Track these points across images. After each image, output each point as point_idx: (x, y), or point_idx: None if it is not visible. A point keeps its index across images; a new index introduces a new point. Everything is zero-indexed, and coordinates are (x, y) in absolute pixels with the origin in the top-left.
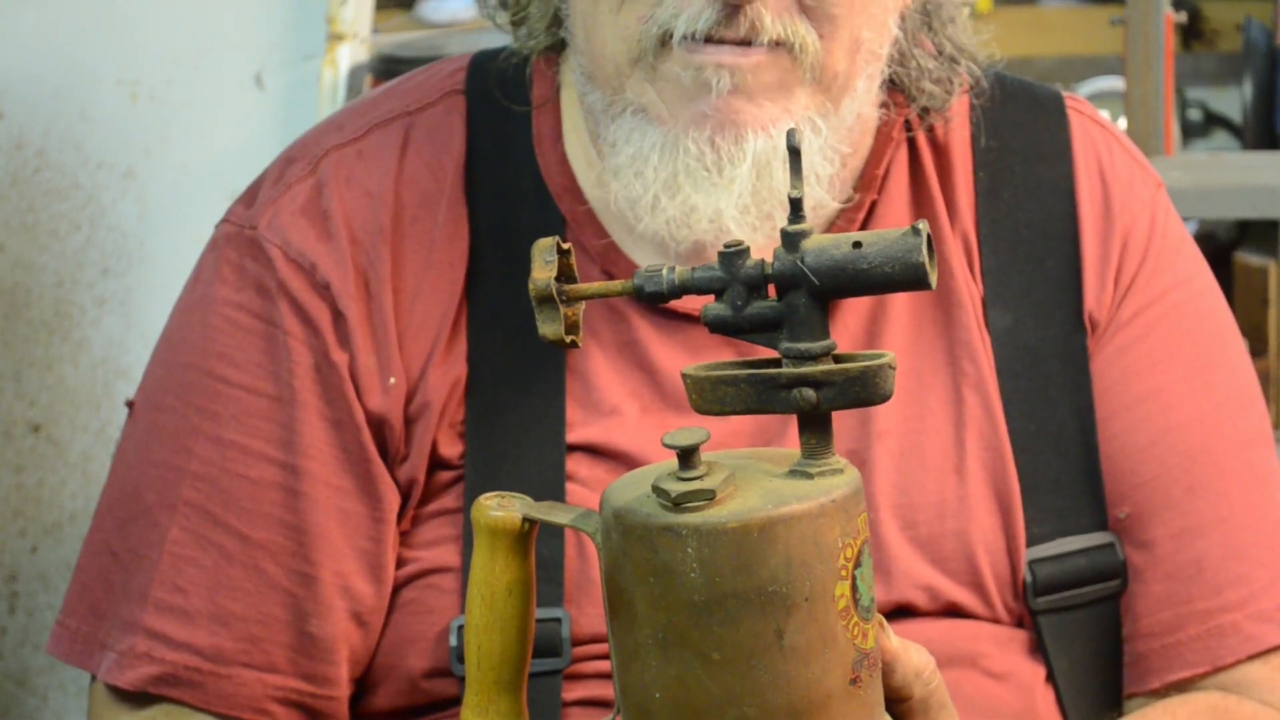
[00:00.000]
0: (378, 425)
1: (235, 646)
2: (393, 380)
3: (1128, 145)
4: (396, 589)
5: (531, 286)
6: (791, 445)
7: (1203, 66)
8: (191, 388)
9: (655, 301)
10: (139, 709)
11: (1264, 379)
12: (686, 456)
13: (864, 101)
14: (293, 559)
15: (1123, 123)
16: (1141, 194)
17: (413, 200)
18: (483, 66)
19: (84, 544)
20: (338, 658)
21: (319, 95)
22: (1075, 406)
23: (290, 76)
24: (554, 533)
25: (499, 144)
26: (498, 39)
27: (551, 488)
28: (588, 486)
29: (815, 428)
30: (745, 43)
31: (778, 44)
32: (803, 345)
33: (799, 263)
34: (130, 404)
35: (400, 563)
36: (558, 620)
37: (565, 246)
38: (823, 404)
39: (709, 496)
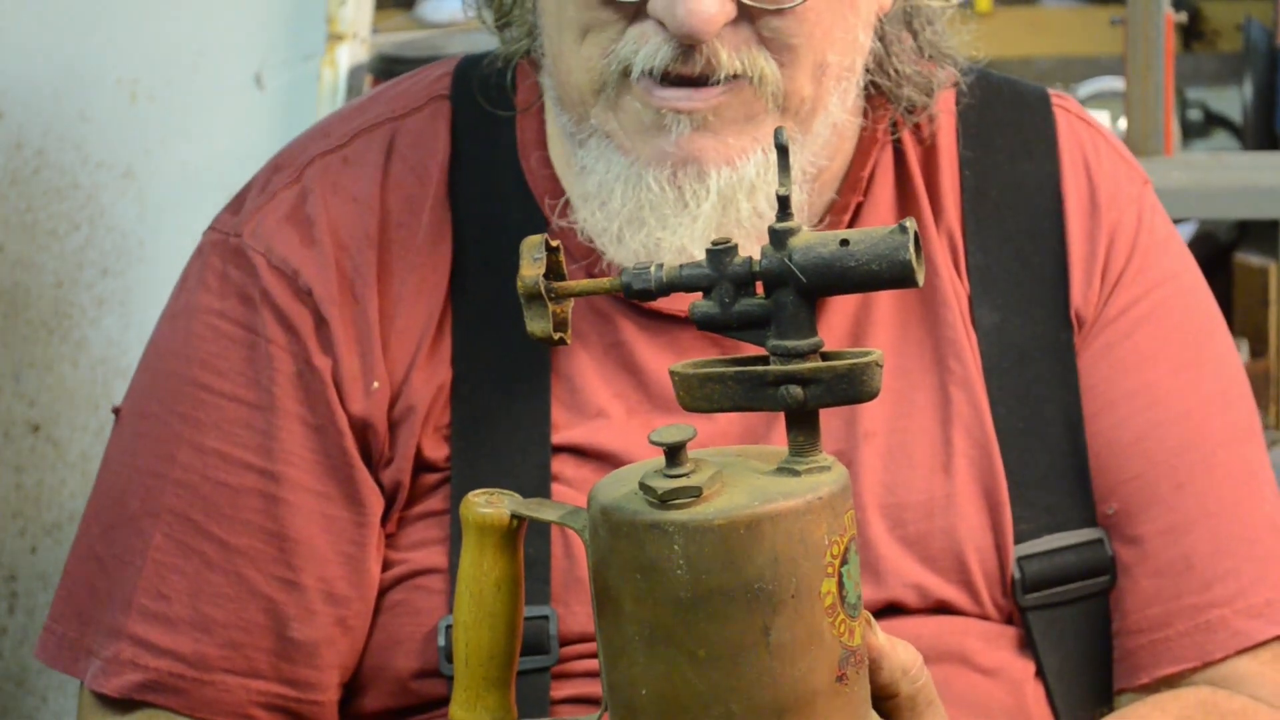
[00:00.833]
0: (361, 429)
1: (218, 653)
2: (376, 385)
3: (1114, 142)
4: (383, 591)
5: (520, 284)
6: (779, 444)
7: (1203, 67)
8: (175, 395)
9: (643, 299)
10: (124, 715)
11: (1264, 379)
12: (673, 454)
13: (839, 114)
14: (274, 565)
15: (1123, 123)
16: (1128, 190)
17: (398, 205)
18: (467, 72)
19: (71, 550)
20: (322, 662)
21: (318, 95)
22: (1062, 403)
23: (290, 76)
24: (540, 531)
25: (483, 148)
26: (495, 40)
27: (537, 489)
28: (574, 487)
29: (803, 425)
30: (703, 78)
31: (736, 77)
32: (790, 343)
33: (786, 260)
34: (117, 411)
35: (386, 565)
36: (545, 618)
37: (554, 244)
38: (810, 401)
39: (695, 493)
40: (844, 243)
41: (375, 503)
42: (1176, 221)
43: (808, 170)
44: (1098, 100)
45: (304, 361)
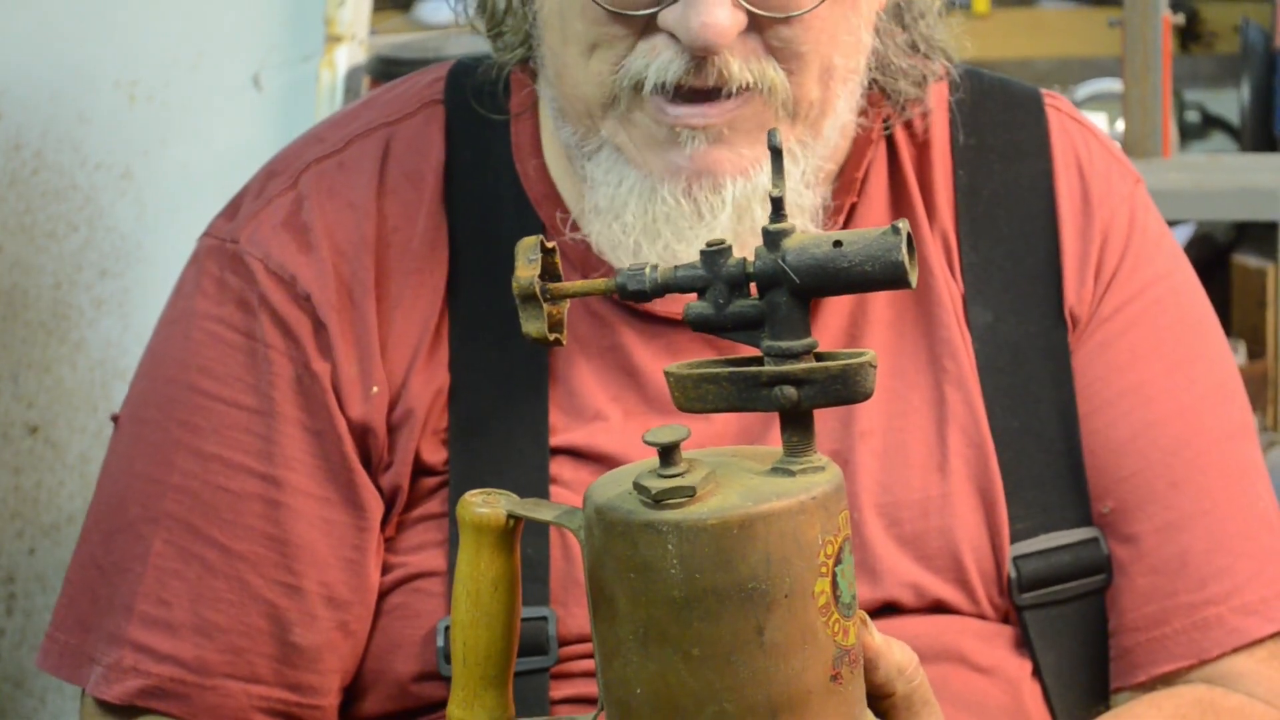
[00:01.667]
0: (361, 433)
1: (219, 658)
2: (375, 389)
3: (1106, 142)
4: (382, 595)
5: (515, 285)
6: (775, 444)
7: (1200, 68)
8: (174, 401)
9: (638, 300)
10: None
11: (1262, 381)
12: (667, 454)
13: (845, 115)
14: (275, 570)
15: (1120, 125)
16: (1120, 189)
17: (394, 210)
18: (461, 77)
19: (72, 557)
20: (323, 667)
21: (317, 96)
22: (1057, 402)
23: (288, 78)
24: (539, 532)
25: (478, 153)
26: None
27: (535, 492)
28: (572, 489)
29: (797, 425)
30: (715, 90)
31: (747, 88)
32: (784, 343)
33: (780, 261)
34: (115, 418)
35: (385, 569)
36: (544, 619)
37: (550, 245)
38: (804, 402)
39: (689, 493)
40: (837, 244)
41: (375, 507)
42: (1174, 223)
43: (818, 172)
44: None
45: (303, 366)
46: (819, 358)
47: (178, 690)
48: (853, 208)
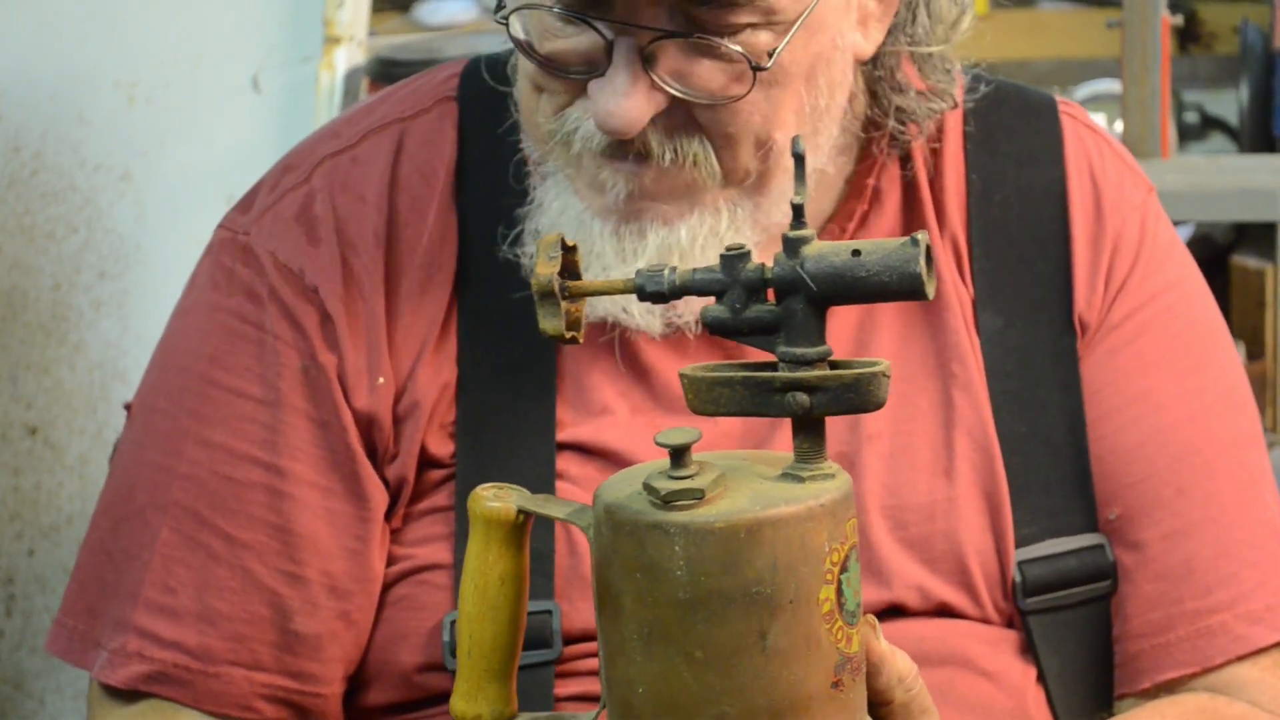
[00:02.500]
0: (366, 424)
1: (223, 645)
2: (381, 380)
3: (1119, 150)
4: (388, 586)
5: (534, 282)
6: (780, 448)
7: (1199, 69)
8: (183, 391)
9: (656, 301)
10: (130, 706)
11: (1261, 382)
12: (678, 455)
13: (821, 160)
14: (279, 559)
15: (1119, 126)
16: (1132, 198)
17: (405, 205)
18: (476, 73)
19: (83, 543)
20: (325, 656)
21: (316, 98)
22: (1065, 408)
23: (287, 79)
24: (545, 526)
25: (490, 148)
26: (494, 42)
27: (542, 486)
28: (578, 485)
29: (808, 432)
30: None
31: (672, 159)
32: (799, 350)
33: (798, 268)
34: (128, 407)
35: (391, 560)
36: (549, 612)
37: (570, 244)
38: (816, 409)
39: (698, 496)
40: (856, 253)
41: (379, 498)
42: (1173, 224)
43: (771, 218)
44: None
45: (309, 358)
46: (833, 366)
47: (181, 676)
48: (865, 215)
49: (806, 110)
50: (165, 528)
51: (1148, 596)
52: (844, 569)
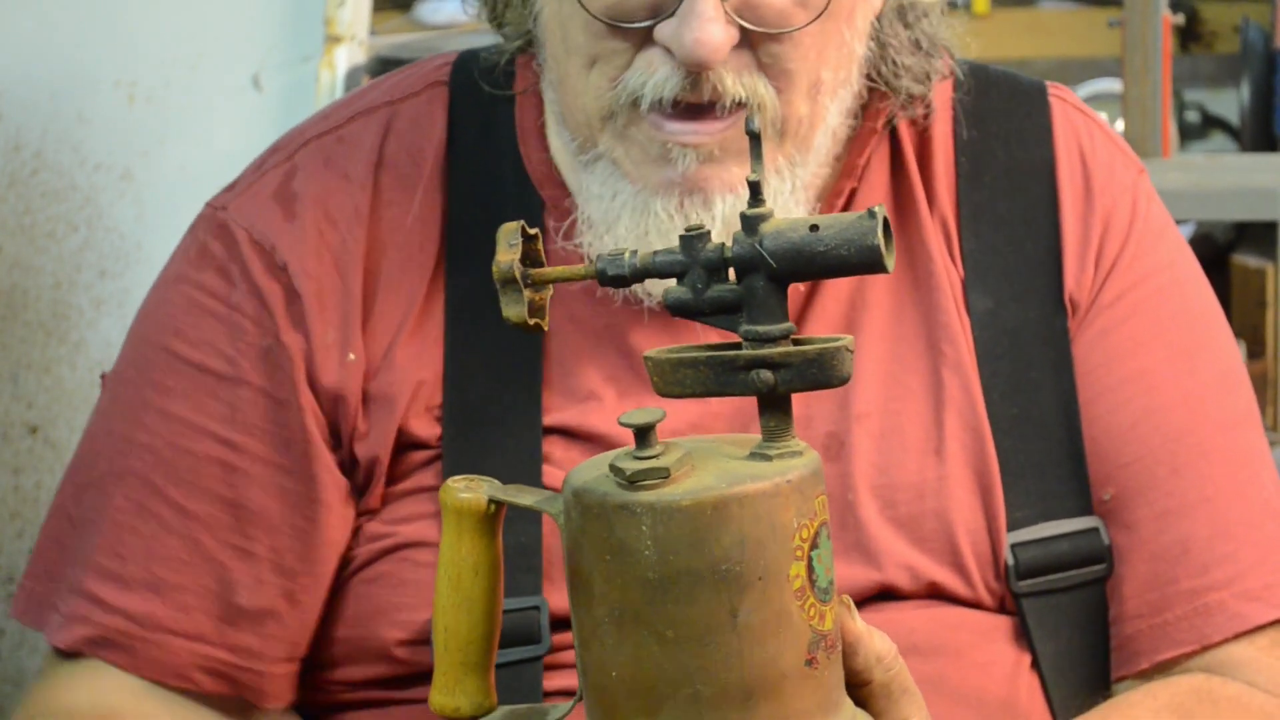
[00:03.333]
0: (332, 401)
1: (166, 614)
2: (352, 357)
3: (1109, 132)
4: (369, 562)
5: (495, 269)
6: None
7: (1200, 68)
8: (149, 362)
9: (617, 285)
10: (73, 666)
11: (1261, 381)
12: (642, 435)
13: (835, 120)
14: (229, 533)
15: (1120, 125)
16: (1123, 178)
17: (390, 183)
18: (468, 60)
19: (50, 508)
20: (267, 632)
21: (316, 97)
22: (1057, 389)
23: (288, 78)
24: (532, 520)
25: (480, 132)
26: (495, 41)
27: (528, 470)
28: (564, 469)
29: (774, 410)
30: (710, 105)
31: (740, 104)
32: (761, 328)
33: (757, 246)
34: (104, 377)
35: (374, 537)
36: (535, 608)
37: (531, 231)
38: (780, 386)
39: (664, 475)
40: (814, 228)
41: (330, 481)
42: (1174, 223)
43: (808, 188)
44: (1095, 102)
45: (273, 337)
46: (797, 342)
47: (122, 641)
48: (853, 192)
49: (845, 52)
50: (120, 495)
51: (1144, 577)
52: (814, 545)
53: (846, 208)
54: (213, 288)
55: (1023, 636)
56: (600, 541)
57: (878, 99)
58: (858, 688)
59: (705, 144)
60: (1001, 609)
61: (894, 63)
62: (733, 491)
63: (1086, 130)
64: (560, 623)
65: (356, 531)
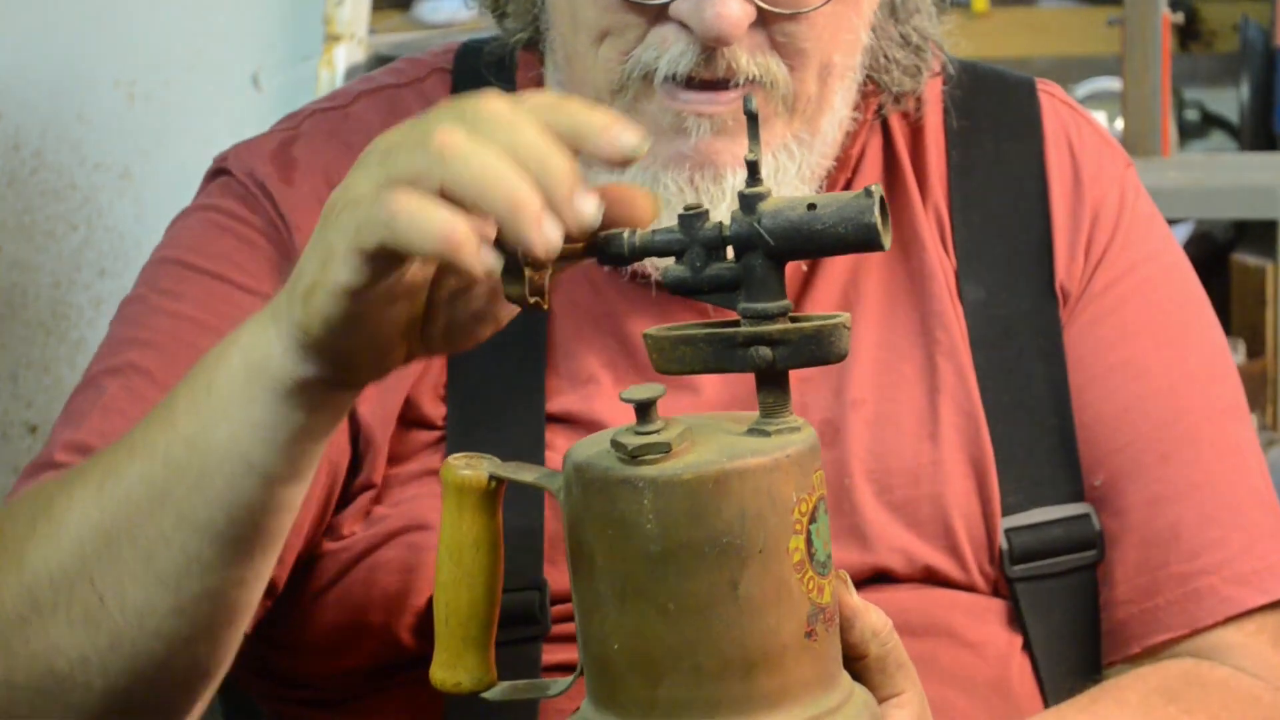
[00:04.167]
0: None
1: None
2: None
3: (1097, 126)
4: (376, 547)
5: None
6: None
7: (1200, 67)
8: (160, 275)
9: (616, 263)
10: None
11: (1261, 380)
12: (643, 411)
13: (843, 112)
14: None
15: (1119, 124)
16: (1111, 171)
17: None
18: (472, 50)
19: None
20: None
21: (316, 96)
22: (1049, 377)
23: (287, 77)
24: (533, 501)
25: None
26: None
27: (530, 453)
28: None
29: (772, 386)
30: (723, 82)
31: (751, 81)
32: (759, 305)
33: (755, 224)
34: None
35: (380, 519)
36: (536, 589)
37: None
38: (778, 362)
39: (665, 449)
40: (811, 206)
41: None
42: (1173, 222)
43: (815, 169)
44: (1095, 101)
45: (285, 258)
46: (794, 320)
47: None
48: (848, 184)
49: (853, 38)
50: (116, 385)
51: (1133, 562)
52: (813, 519)
53: None
54: (227, 208)
55: (1015, 620)
56: (602, 516)
57: (869, 93)
58: (854, 661)
59: (720, 113)
60: (995, 593)
61: (885, 56)
62: (733, 465)
63: (1074, 124)
64: (560, 603)
65: (360, 512)
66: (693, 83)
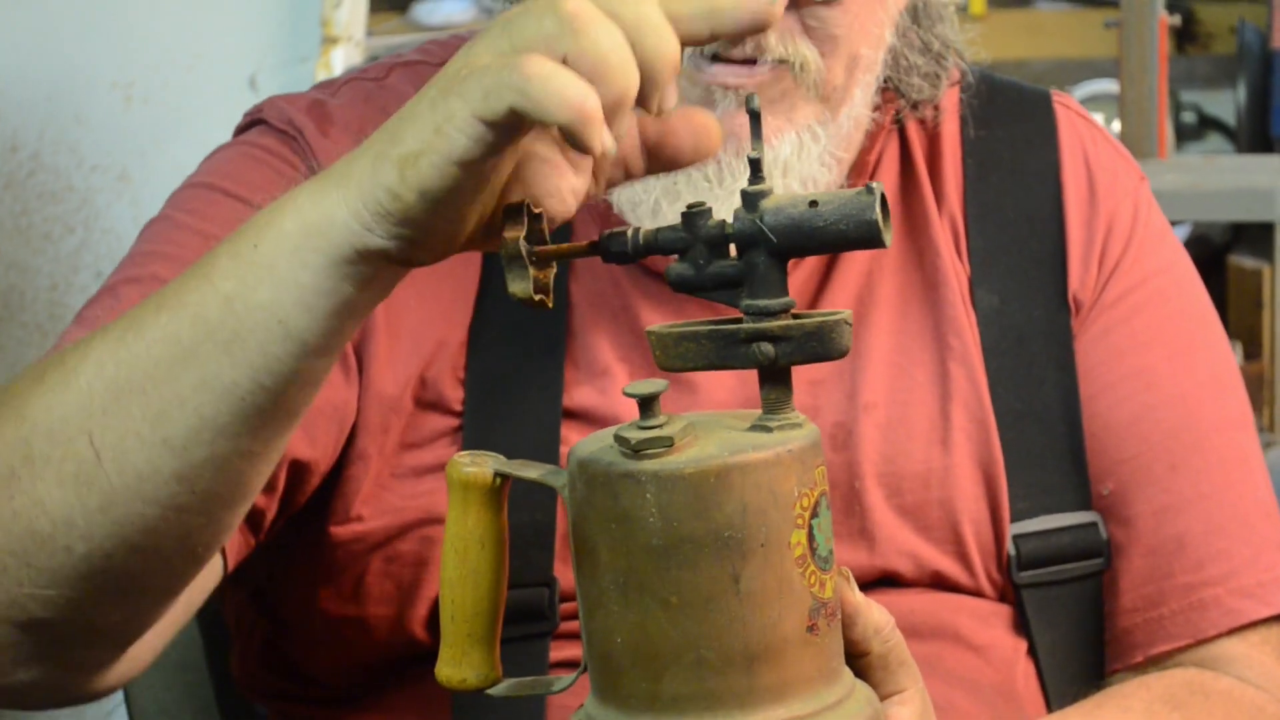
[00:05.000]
0: None
1: None
2: None
3: (1112, 140)
4: (391, 539)
5: (501, 247)
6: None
7: (1196, 69)
8: (189, 198)
9: (620, 261)
10: None
11: (1258, 382)
12: (646, 405)
13: (861, 108)
14: None
15: (1117, 126)
16: (1125, 183)
17: None
18: None
19: None
20: None
21: None
22: (1060, 385)
23: (285, 79)
24: (546, 498)
25: None
26: None
27: (546, 442)
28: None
29: (775, 383)
30: (750, 61)
31: (780, 62)
32: (762, 302)
33: (758, 221)
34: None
35: (393, 509)
36: (547, 585)
37: (536, 210)
38: (781, 358)
39: (667, 443)
40: (813, 204)
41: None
42: (1170, 224)
43: (830, 159)
44: (1092, 103)
45: None
46: (796, 317)
47: None
48: None
49: (878, 33)
50: (134, 293)
51: (1140, 571)
52: (814, 514)
53: None
54: (260, 142)
55: (1021, 625)
56: (605, 510)
57: (887, 98)
58: (856, 658)
59: (746, 86)
60: (1001, 598)
61: (906, 60)
62: (735, 460)
63: (1090, 136)
64: (569, 600)
65: (369, 496)
66: (719, 60)
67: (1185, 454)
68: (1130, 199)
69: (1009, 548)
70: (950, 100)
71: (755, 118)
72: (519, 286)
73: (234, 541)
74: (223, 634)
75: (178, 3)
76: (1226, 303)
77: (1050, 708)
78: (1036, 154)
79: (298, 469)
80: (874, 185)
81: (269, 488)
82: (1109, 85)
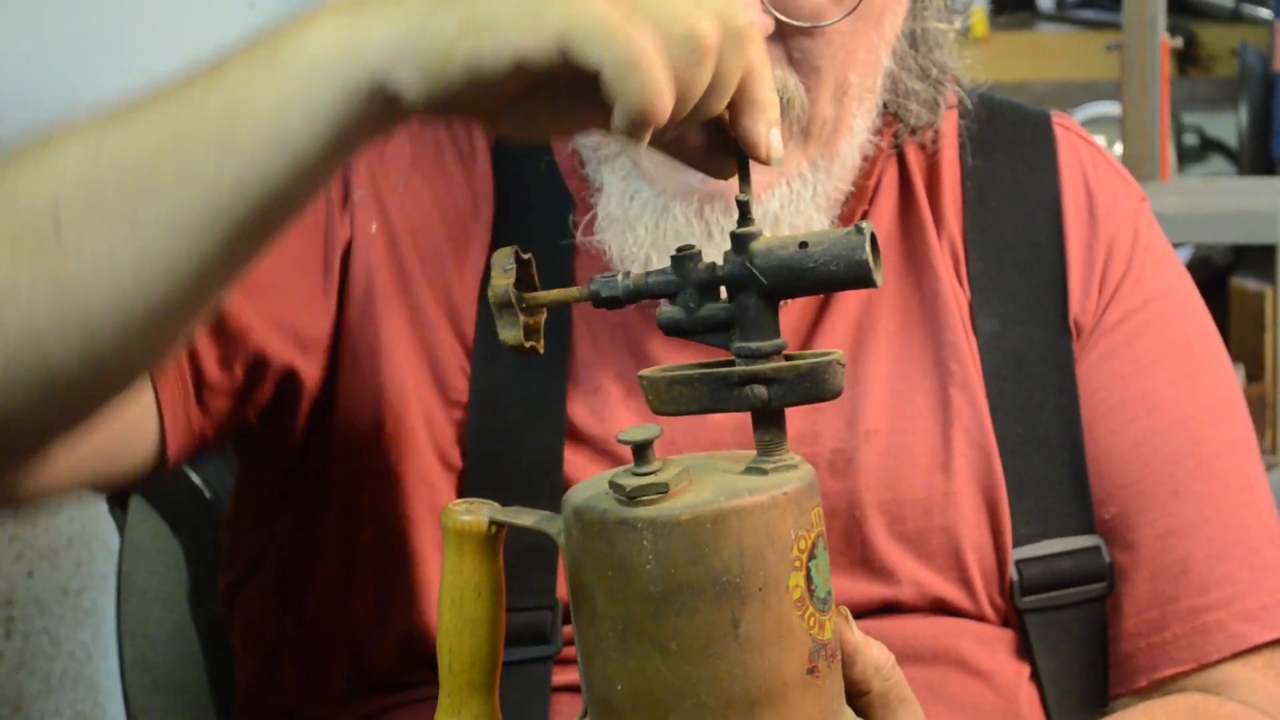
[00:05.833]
0: (345, 245)
1: None
2: (374, 227)
3: (1113, 161)
4: (412, 531)
5: (491, 294)
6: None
7: (1198, 91)
8: None
9: (611, 306)
10: None
11: (1261, 404)
12: (640, 452)
13: (863, 136)
14: None
15: (1119, 148)
16: (1125, 206)
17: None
18: None
19: None
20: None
21: None
22: (1061, 410)
23: None
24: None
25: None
26: None
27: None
28: (574, 470)
29: (769, 425)
30: None
31: None
32: (754, 344)
33: (748, 264)
34: None
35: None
36: (550, 609)
37: (525, 256)
38: (774, 400)
39: (662, 490)
40: (803, 245)
41: (332, 289)
42: (1172, 246)
43: (833, 195)
44: (1094, 125)
45: (346, 179)
46: (788, 359)
47: None
48: (864, 215)
49: (872, 59)
50: None
51: (1143, 595)
52: (812, 556)
53: None
54: None
55: (1024, 650)
56: (601, 558)
57: (886, 122)
58: (856, 697)
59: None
60: (1004, 624)
61: (904, 86)
62: (731, 504)
63: (1090, 159)
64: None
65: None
66: None
67: (1188, 478)
68: (1130, 221)
69: (1011, 573)
70: (949, 124)
71: (744, 162)
72: (509, 334)
73: (178, 420)
74: (225, 656)
75: (178, 25)
76: (1229, 325)
77: None
78: (1036, 177)
79: (259, 363)
80: (863, 225)
81: (225, 366)
82: (1111, 107)
